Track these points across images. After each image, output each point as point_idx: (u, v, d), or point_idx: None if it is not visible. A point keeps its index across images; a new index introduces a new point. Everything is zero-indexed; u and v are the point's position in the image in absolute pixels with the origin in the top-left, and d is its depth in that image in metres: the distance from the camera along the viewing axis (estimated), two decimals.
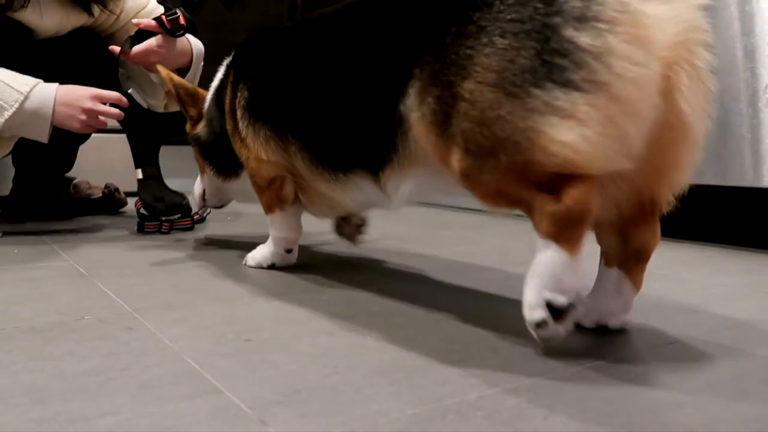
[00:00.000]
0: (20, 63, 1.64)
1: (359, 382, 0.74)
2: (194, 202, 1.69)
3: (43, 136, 1.61)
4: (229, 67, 1.43)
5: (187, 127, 1.58)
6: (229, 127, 1.37)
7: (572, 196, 0.83)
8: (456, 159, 0.89)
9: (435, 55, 0.92)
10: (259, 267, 1.36)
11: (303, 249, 1.51)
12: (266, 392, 0.70)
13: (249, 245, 1.58)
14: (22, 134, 1.65)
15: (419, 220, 2.26)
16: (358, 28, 1.11)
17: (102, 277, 1.23)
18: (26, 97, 1.56)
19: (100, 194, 2.25)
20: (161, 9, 1.99)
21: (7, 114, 1.55)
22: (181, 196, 2.00)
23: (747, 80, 1.66)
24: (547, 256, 0.85)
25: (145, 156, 2.02)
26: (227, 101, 1.37)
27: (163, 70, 1.54)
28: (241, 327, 0.93)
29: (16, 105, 1.55)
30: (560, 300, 0.83)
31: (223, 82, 1.44)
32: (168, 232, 1.87)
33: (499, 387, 0.73)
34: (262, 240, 1.42)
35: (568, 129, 0.81)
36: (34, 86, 1.59)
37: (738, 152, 1.67)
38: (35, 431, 0.61)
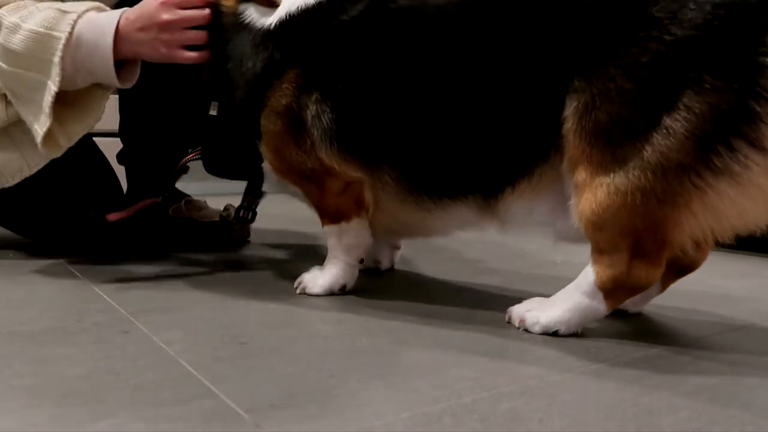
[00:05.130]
0: None
1: (355, 385, 0.74)
2: None
3: (110, 75, 1.21)
4: (290, 50, 1.10)
5: None
6: (273, 127, 1.12)
7: (646, 273, 0.86)
8: (600, 173, 0.85)
9: (622, 68, 0.83)
10: (331, 293, 1.14)
11: (298, 251, 1.51)
12: (262, 396, 0.70)
13: (244, 248, 1.58)
14: (90, 78, 1.24)
15: None
16: (506, 31, 0.95)
17: (98, 280, 1.22)
18: (77, 19, 1.19)
19: (216, 218, 1.74)
20: None
21: (60, 45, 1.17)
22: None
23: None
24: (590, 304, 0.91)
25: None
26: (281, 98, 1.10)
27: None
28: (237, 330, 0.93)
29: (68, 29, 1.18)
30: (567, 333, 0.92)
31: (266, 65, 1.11)
32: None
33: (494, 390, 0.73)
34: (254, 242, 1.41)
35: (730, 200, 0.79)
36: (88, 9, 1.22)
37: None
38: None
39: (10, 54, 1.21)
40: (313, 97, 1.07)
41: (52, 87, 1.18)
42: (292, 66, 1.09)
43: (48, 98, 1.19)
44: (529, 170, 0.94)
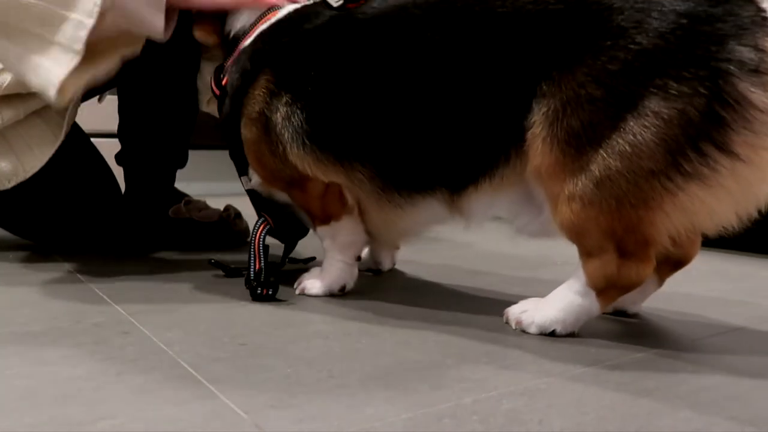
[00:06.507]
0: None
1: (354, 386, 0.74)
2: None
3: (155, 22, 1.10)
4: (259, 59, 1.13)
5: None
6: (250, 135, 1.14)
7: (637, 271, 0.87)
8: (573, 184, 0.87)
9: (591, 75, 0.85)
10: (330, 293, 1.15)
11: (298, 252, 1.51)
12: (261, 396, 0.70)
13: (243, 248, 1.58)
14: (122, 20, 1.09)
15: None
16: (478, 27, 0.95)
17: (98, 281, 1.22)
18: None
19: (216, 218, 1.75)
20: None
21: None
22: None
23: None
24: (582, 303, 0.92)
25: None
26: (254, 105, 1.12)
27: None
28: (237, 331, 0.93)
29: None
30: (563, 333, 0.93)
31: (245, 70, 1.14)
32: None
33: (494, 391, 0.73)
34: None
35: (700, 201, 0.81)
36: None
37: None
38: None
39: None
40: (284, 99, 1.09)
41: (87, 21, 1.04)
42: (263, 72, 1.12)
43: (82, 34, 1.04)
44: (491, 172, 0.97)
